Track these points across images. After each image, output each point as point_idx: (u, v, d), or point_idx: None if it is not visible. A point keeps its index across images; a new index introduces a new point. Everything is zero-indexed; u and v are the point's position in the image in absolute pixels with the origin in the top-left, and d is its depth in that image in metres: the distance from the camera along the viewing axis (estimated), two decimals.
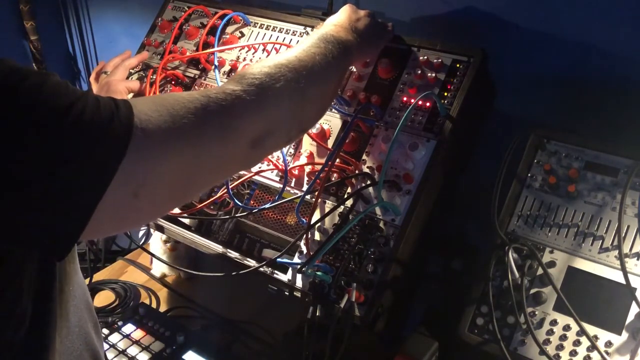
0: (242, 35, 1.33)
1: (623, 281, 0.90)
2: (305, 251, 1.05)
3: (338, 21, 1.00)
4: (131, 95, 1.30)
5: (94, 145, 0.58)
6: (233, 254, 1.16)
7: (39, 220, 0.57)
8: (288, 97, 0.79)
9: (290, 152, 1.16)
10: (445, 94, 1.07)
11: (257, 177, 1.17)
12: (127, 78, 1.34)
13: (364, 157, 1.08)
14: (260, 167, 1.15)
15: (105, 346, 1.21)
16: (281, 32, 1.28)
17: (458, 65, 1.08)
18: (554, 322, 0.93)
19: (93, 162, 0.58)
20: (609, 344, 0.90)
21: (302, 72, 0.82)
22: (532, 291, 0.96)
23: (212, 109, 0.69)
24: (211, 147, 0.69)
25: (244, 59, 1.29)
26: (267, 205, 1.13)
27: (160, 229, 1.26)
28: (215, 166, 0.73)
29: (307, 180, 1.12)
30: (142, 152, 0.61)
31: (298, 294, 1.06)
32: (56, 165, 0.56)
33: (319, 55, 0.87)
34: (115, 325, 1.27)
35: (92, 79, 1.35)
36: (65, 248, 0.60)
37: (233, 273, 1.11)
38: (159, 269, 1.55)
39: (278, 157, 1.14)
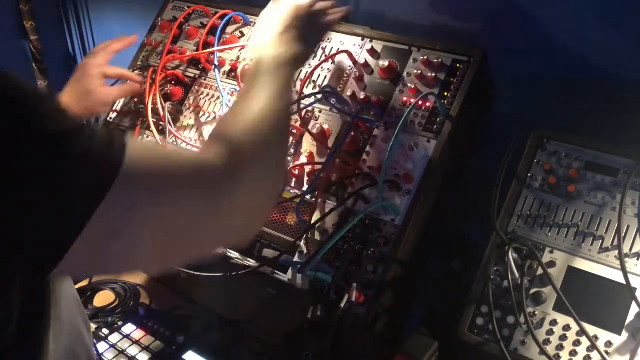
0: (242, 35, 1.33)
1: (623, 281, 0.90)
2: (305, 251, 1.05)
3: (275, 42, 0.91)
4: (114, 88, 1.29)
5: (79, 176, 0.55)
6: (233, 254, 1.15)
7: (16, 251, 0.55)
8: (276, 165, 0.80)
9: (290, 152, 1.16)
10: (445, 93, 1.07)
11: None
12: (115, 83, 1.33)
13: (364, 157, 1.08)
14: None
15: (105, 346, 1.20)
16: None
17: (458, 65, 1.08)
18: (554, 322, 0.93)
19: (76, 193, 0.55)
20: (609, 344, 0.90)
21: (278, 136, 0.81)
22: (532, 291, 0.96)
23: (204, 180, 0.66)
24: (196, 212, 0.65)
25: (244, 59, 1.29)
26: None
27: None
28: (201, 232, 0.68)
29: (307, 180, 1.12)
30: (125, 195, 0.58)
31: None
32: (38, 194, 0.53)
33: (284, 108, 0.84)
34: (115, 325, 1.27)
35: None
36: (41, 276, 0.59)
37: (233, 273, 1.11)
38: None
39: None
